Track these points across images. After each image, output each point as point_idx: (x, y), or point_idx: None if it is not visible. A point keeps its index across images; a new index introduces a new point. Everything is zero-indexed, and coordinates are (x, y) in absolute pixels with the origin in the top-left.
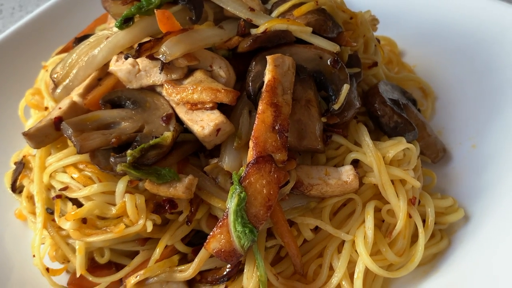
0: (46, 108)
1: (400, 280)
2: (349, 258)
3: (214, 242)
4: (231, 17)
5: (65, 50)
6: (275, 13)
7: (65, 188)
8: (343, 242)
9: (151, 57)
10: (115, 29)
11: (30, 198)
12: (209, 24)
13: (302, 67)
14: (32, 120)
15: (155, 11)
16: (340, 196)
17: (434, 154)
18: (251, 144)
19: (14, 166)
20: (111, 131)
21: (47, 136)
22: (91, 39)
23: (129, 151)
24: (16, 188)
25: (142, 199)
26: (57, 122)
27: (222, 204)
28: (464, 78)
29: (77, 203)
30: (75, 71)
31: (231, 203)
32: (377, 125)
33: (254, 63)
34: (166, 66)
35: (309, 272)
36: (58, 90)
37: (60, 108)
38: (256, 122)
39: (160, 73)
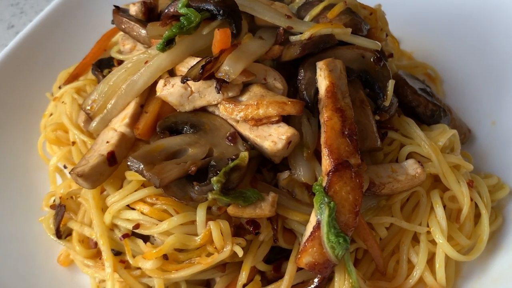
0: (74, 143)
1: (469, 262)
2: (428, 249)
3: (307, 256)
4: (264, 26)
5: (74, 77)
6: (308, 18)
7: (137, 226)
8: (414, 235)
9: (210, 78)
10: (153, 52)
11: (82, 241)
12: (249, 36)
13: (349, 68)
14: (56, 158)
15: (216, 30)
16: (408, 191)
17: (462, 136)
18: (324, 152)
19: (48, 210)
20: (183, 159)
21: (102, 174)
22: (128, 64)
23: (215, 178)
24: (61, 234)
25: (226, 224)
26: (110, 157)
27: (300, 217)
28: (466, 56)
29: (143, 238)
30: (113, 100)
31: (323, 215)
32: (412, 116)
33: (302, 70)
34: (223, 85)
35: (389, 270)
36: (95, 123)
37: (108, 142)
38: (325, 130)
39: (218, 93)
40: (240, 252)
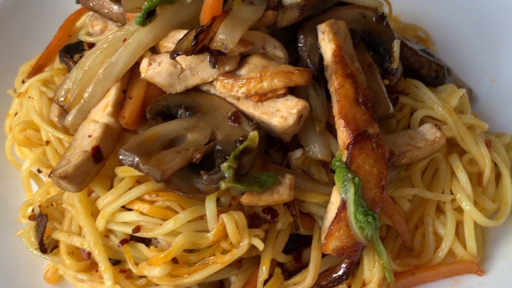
0: (48, 142)
1: (493, 227)
2: (455, 219)
3: (333, 241)
4: None
5: (39, 68)
6: None
7: (138, 229)
8: (437, 205)
9: (203, 51)
10: (131, 28)
11: (72, 253)
12: (239, 2)
13: (351, 30)
14: (29, 161)
15: None
16: (427, 158)
17: None
18: (340, 123)
19: (26, 222)
20: (183, 146)
21: (88, 173)
22: (103, 44)
23: (225, 164)
24: (46, 248)
25: (241, 215)
26: (96, 153)
27: (319, 199)
28: (454, 16)
29: (144, 242)
30: (91, 88)
31: (348, 193)
32: (415, 79)
33: (302, 36)
34: (219, 58)
35: (415, 245)
36: (71, 116)
37: (90, 136)
38: (337, 99)
39: (213, 68)
40: (260, 245)
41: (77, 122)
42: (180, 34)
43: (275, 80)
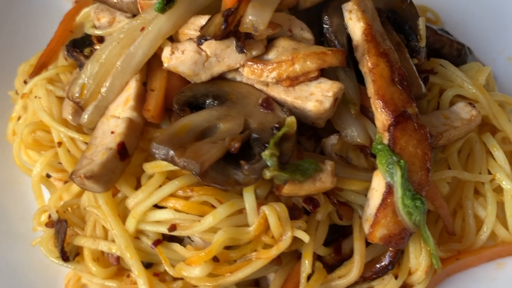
0: (60, 144)
1: None
2: (495, 199)
3: (380, 229)
4: None
5: (42, 67)
6: None
7: (174, 227)
8: (474, 186)
9: (229, 36)
10: (148, 16)
11: (98, 260)
12: None
13: (377, 9)
14: (40, 165)
15: None
16: (463, 138)
17: None
18: (377, 104)
19: (42, 230)
20: (217, 136)
21: (114, 171)
22: (119, 35)
23: (267, 152)
24: (68, 256)
25: (282, 207)
26: (121, 149)
27: (358, 186)
28: None
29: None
30: (108, 82)
31: (394, 176)
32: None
33: (327, 17)
34: (249, 42)
35: (456, 229)
36: (88, 113)
37: (113, 132)
38: (373, 79)
39: (240, 53)
40: (305, 237)
41: (94, 119)
42: (201, 20)
43: (308, 62)
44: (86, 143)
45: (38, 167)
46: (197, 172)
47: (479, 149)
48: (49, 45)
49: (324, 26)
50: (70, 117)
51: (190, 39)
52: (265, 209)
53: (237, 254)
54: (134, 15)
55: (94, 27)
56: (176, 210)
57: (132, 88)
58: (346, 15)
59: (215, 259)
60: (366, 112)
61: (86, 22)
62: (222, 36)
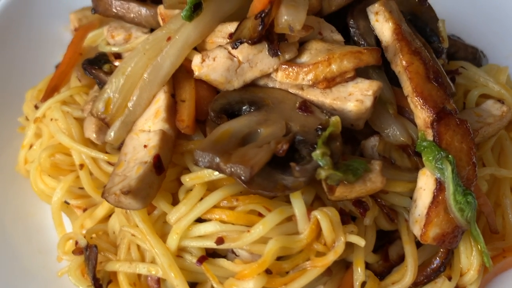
0: (82, 166)
1: None
2: None
3: (433, 228)
4: None
5: (53, 90)
6: None
7: (221, 240)
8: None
9: (261, 40)
10: (173, 26)
11: (134, 285)
12: None
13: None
14: (60, 190)
15: None
16: (496, 135)
17: None
18: (416, 102)
19: (68, 258)
20: (261, 141)
21: (151, 186)
22: (145, 46)
23: (318, 152)
24: (100, 283)
25: (334, 211)
26: (157, 162)
27: (402, 187)
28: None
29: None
30: (136, 95)
31: (446, 172)
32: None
33: (352, 20)
34: (284, 44)
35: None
36: (114, 129)
37: (146, 146)
38: (409, 77)
39: (274, 57)
40: (361, 241)
41: (121, 135)
42: (229, 27)
43: (345, 62)
44: (109, 163)
45: (59, 193)
46: (247, 177)
47: (509, 146)
48: (60, 68)
49: (351, 29)
50: (94, 135)
51: (220, 46)
52: (317, 214)
53: (290, 265)
54: (151, 29)
55: (109, 45)
56: (222, 221)
57: (161, 100)
58: (372, 17)
59: (268, 271)
60: (402, 112)
61: (98, 41)
62: (258, 37)
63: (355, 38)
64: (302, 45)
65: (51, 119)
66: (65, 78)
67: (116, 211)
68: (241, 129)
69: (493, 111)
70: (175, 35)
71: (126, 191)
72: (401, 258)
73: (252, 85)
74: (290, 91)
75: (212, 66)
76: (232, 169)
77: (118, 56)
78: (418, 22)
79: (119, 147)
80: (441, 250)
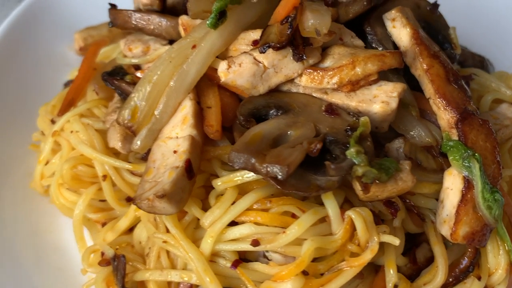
0: (105, 177)
1: None
2: None
3: (463, 227)
4: None
5: (70, 104)
6: None
7: (257, 242)
8: None
9: (285, 45)
10: (197, 34)
11: None
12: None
13: None
14: (82, 202)
15: None
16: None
17: None
18: (439, 103)
19: (93, 271)
20: (293, 141)
21: (183, 190)
22: (170, 54)
23: (352, 150)
24: None
25: (367, 211)
26: (188, 167)
27: (429, 189)
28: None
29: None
30: (162, 102)
31: (474, 170)
32: None
33: (369, 28)
34: (307, 49)
35: None
36: (141, 138)
37: (175, 151)
38: (431, 79)
39: (297, 61)
40: (396, 240)
41: (148, 143)
42: (252, 34)
43: (369, 64)
44: (132, 172)
45: (81, 205)
46: (284, 176)
47: None
48: (75, 82)
49: (368, 36)
50: (120, 144)
51: (245, 52)
52: (351, 213)
53: (325, 266)
54: (170, 41)
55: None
56: (257, 223)
57: (188, 106)
58: (389, 24)
59: (304, 272)
60: (422, 115)
61: (113, 55)
62: (286, 41)
63: (373, 44)
64: (324, 50)
65: (71, 131)
66: (81, 92)
67: (142, 220)
68: (272, 131)
69: (508, 114)
70: (200, 43)
71: (161, 195)
72: (428, 261)
73: (275, 90)
74: (314, 95)
75: (238, 72)
76: (268, 169)
77: (138, 68)
78: (430, 29)
79: (142, 157)
80: (469, 250)
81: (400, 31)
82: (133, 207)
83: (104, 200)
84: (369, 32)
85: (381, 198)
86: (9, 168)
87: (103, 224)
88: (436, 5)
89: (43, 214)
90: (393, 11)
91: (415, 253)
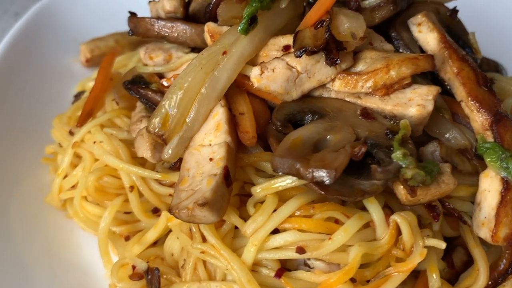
0: (132, 188)
1: None
2: None
3: (503, 229)
4: None
5: (89, 114)
6: None
7: (302, 250)
8: None
9: (318, 50)
10: (226, 40)
11: None
12: None
13: None
14: (109, 215)
15: None
16: None
17: None
18: (472, 106)
19: (123, 286)
20: (334, 146)
21: (223, 198)
22: (201, 60)
23: (398, 152)
24: None
25: (412, 216)
26: (226, 174)
27: (465, 192)
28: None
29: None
30: (194, 109)
31: None
32: None
33: (394, 33)
34: (340, 54)
35: None
36: (172, 146)
37: (211, 159)
38: (462, 82)
39: (330, 66)
40: (442, 243)
41: (179, 152)
42: (282, 40)
43: (403, 68)
44: (160, 183)
45: (107, 218)
46: (331, 180)
47: None
48: (92, 93)
49: (395, 41)
50: (150, 153)
51: (277, 57)
52: (396, 218)
53: (371, 272)
54: (193, 49)
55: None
56: (301, 230)
57: (220, 113)
58: (415, 28)
59: (352, 279)
60: (454, 118)
61: (130, 64)
62: (323, 45)
63: (400, 49)
64: (355, 55)
65: (94, 142)
66: (99, 102)
67: (174, 231)
68: (311, 135)
69: None
70: (230, 49)
71: (203, 203)
72: (465, 265)
73: (307, 96)
74: (347, 100)
75: (272, 77)
76: (314, 173)
77: (160, 76)
78: (451, 34)
79: (170, 166)
80: (507, 252)
81: (427, 35)
82: (162, 218)
83: (129, 212)
84: (395, 37)
85: (423, 202)
86: (19, 183)
87: (126, 238)
88: (455, 11)
89: (58, 229)
90: (419, 16)
91: (452, 257)
